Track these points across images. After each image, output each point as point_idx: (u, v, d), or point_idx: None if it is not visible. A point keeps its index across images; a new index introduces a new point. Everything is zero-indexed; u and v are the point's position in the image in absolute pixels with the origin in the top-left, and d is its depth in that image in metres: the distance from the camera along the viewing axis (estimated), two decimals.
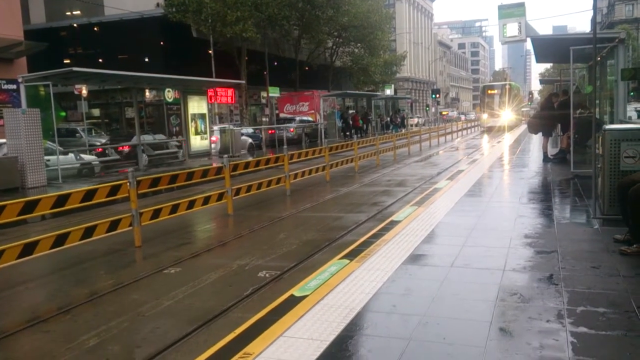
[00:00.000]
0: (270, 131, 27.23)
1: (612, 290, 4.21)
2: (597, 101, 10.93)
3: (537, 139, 19.74)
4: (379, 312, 3.97)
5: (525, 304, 3.98)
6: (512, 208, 7.82)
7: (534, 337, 3.41)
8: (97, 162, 16.38)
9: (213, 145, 20.93)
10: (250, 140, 23.73)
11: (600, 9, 67.53)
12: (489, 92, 39.94)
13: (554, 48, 12.68)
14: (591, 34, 8.34)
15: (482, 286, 4.45)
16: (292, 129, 27.53)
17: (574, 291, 4.21)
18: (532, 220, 6.94)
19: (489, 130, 36.66)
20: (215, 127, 22.54)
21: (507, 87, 39.52)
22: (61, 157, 14.20)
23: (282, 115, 34.68)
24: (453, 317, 3.81)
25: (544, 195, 8.83)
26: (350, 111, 37.51)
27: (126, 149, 17.69)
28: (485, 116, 39.11)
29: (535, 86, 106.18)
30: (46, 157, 13.50)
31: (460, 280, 4.64)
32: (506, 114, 37.49)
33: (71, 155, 15.43)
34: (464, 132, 38.97)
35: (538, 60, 15.59)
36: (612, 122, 9.96)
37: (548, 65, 73.89)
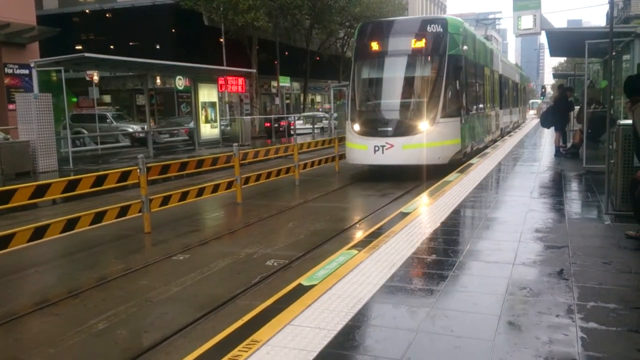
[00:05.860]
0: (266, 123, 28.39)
1: (623, 287, 4.16)
2: (612, 96, 10.78)
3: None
4: (386, 304, 3.96)
5: (534, 299, 3.95)
6: (522, 202, 7.75)
7: (543, 332, 3.38)
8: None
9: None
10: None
11: (616, 3, 66.55)
12: (373, 46, 12.43)
13: (569, 41, 12.50)
14: (607, 27, 8.20)
15: (491, 279, 4.42)
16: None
17: (585, 286, 4.17)
18: (543, 214, 6.88)
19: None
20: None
21: (438, 32, 12.04)
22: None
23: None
24: (461, 310, 3.79)
25: (556, 190, 8.75)
26: None
27: None
28: (356, 128, 12.26)
29: (549, 80, 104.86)
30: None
31: (469, 274, 4.61)
32: (431, 129, 11.85)
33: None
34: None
35: (552, 54, 15.36)
36: (626, 118, 9.82)
37: (562, 59, 73.10)
